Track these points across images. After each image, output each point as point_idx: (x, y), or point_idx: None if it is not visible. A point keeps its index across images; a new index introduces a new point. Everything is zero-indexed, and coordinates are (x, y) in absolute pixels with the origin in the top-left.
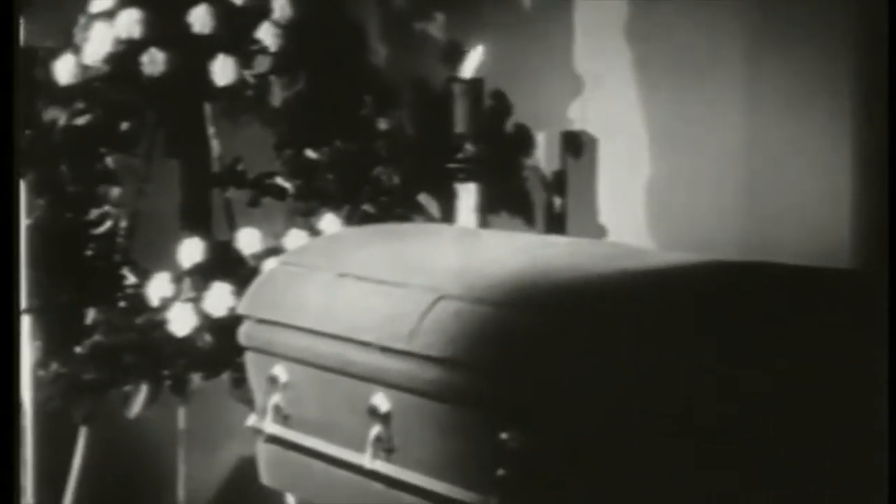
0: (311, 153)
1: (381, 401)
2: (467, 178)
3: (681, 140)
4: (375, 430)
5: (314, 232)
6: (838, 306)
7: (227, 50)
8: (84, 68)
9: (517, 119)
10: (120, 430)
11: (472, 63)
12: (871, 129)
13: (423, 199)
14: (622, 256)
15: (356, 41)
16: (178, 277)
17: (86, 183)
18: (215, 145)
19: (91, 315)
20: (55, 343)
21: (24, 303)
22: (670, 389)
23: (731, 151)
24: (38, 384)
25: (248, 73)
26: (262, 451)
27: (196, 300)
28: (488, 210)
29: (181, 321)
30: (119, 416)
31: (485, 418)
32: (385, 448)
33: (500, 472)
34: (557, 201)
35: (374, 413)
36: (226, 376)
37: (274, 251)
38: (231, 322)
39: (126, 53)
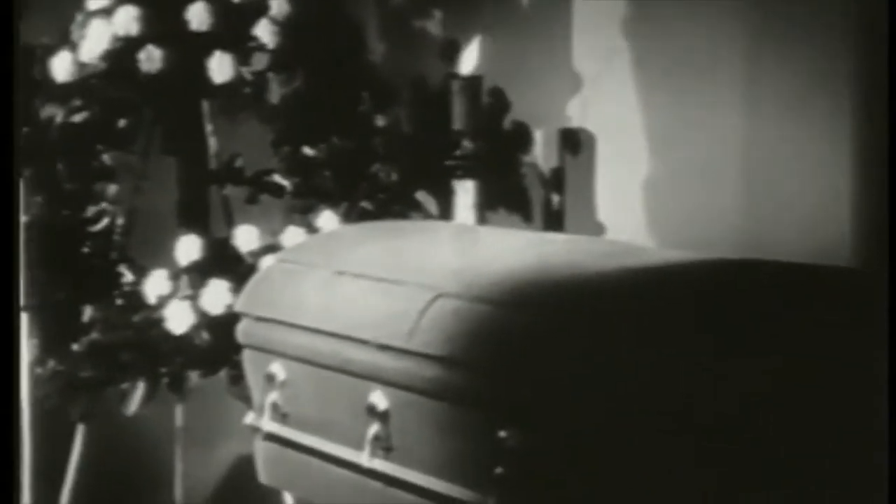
0: (308, 150)
1: (380, 399)
2: (465, 176)
3: (680, 138)
4: (373, 428)
5: (312, 229)
6: (838, 304)
7: (225, 47)
8: (81, 65)
9: (515, 116)
10: (117, 428)
11: (470, 56)
12: (871, 128)
13: (422, 196)
14: (621, 254)
15: (354, 38)
16: (176, 275)
17: (83, 180)
18: (213, 142)
19: (88, 312)
20: (52, 340)
21: (21, 300)
22: (669, 388)
23: (730, 150)
24: (35, 382)
25: (245, 71)
26: (260, 449)
27: (193, 298)
28: (486, 207)
29: (178, 319)
30: (116, 414)
31: (483, 417)
32: (383, 446)
33: (499, 470)
34: (555, 198)
35: (372, 411)
36: (223, 374)
37: (271, 248)
38: (229, 320)
39: (123, 50)
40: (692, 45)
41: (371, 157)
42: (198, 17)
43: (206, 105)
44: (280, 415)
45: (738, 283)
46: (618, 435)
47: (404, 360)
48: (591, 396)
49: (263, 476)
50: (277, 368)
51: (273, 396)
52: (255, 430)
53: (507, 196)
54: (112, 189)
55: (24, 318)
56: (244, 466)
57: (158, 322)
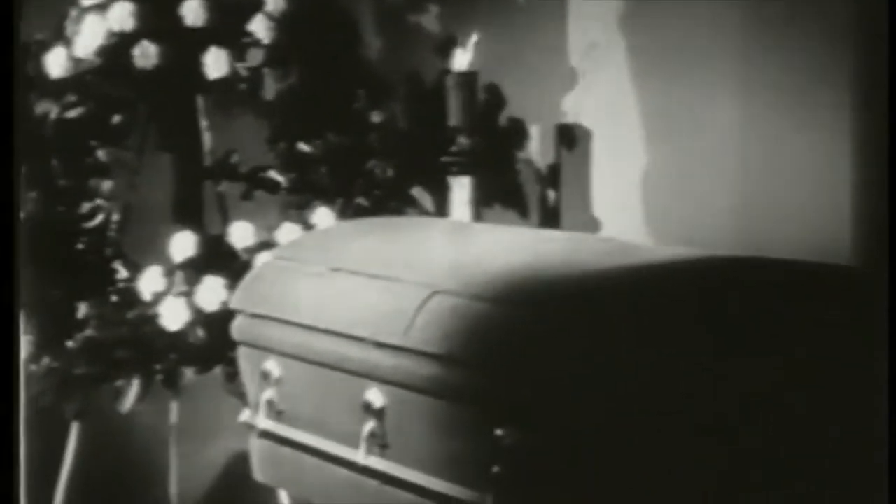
0: (304, 146)
1: (376, 396)
2: (461, 172)
3: (676, 134)
4: (369, 425)
5: (307, 226)
6: (838, 302)
7: (220, 43)
8: (76, 61)
9: (511, 112)
10: (112, 425)
11: (465, 52)
12: (871, 126)
13: (417, 192)
14: (618, 252)
15: (350, 34)
16: (171, 271)
17: (77, 176)
18: (208, 138)
19: (83, 309)
20: (47, 337)
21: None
22: (667, 386)
23: (728, 146)
24: (30, 379)
25: (240, 66)
26: (255, 447)
27: (188, 294)
28: (482, 203)
29: (173, 315)
30: (111, 411)
31: (480, 415)
32: (379, 444)
33: (496, 468)
34: (551, 194)
35: (368, 409)
36: (218, 371)
37: (267, 245)
38: (223, 316)
39: (118, 46)
40: (689, 41)
41: (367, 154)
42: (193, 12)
43: (201, 101)
44: (275, 412)
45: (739, 283)
46: (616, 434)
47: (400, 358)
48: (590, 395)
49: (258, 473)
50: (272, 365)
51: (268, 393)
52: (250, 427)
53: (502, 192)
54: (106, 185)
55: (19, 315)
56: (239, 464)
57: (153, 319)
